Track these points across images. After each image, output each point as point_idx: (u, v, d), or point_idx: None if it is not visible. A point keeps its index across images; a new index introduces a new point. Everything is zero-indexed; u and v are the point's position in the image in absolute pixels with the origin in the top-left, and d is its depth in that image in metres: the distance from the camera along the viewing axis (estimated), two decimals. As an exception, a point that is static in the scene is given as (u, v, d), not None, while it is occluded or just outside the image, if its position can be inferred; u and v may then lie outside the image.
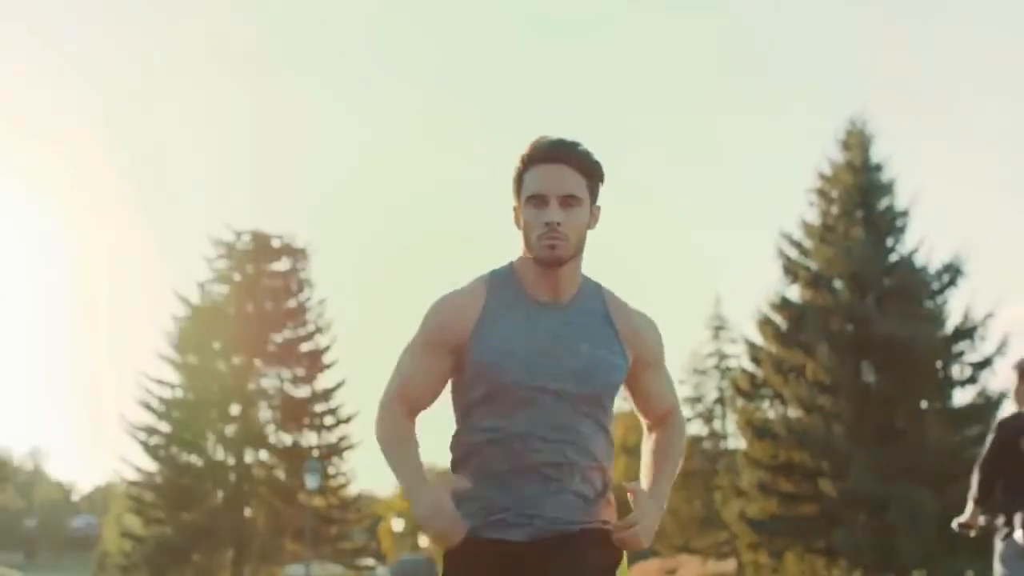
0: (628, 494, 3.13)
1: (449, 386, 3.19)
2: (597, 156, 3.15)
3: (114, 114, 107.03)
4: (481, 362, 3.05)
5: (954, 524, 6.66)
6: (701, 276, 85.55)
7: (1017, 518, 6.16)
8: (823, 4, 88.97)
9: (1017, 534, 6.08)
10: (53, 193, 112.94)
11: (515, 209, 3.15)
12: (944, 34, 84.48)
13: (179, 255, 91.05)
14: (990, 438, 6.47)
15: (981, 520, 6.45)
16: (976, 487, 6.47)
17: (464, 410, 3.14)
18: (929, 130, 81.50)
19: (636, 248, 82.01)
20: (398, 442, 3.11)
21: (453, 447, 3.17)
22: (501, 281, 3.14)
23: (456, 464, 3.14)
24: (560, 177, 3.05)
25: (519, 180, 3.11)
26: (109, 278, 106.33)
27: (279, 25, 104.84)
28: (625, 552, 3.09)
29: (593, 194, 3.12)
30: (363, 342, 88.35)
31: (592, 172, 3.10)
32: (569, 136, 3.14)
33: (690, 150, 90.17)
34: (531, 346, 3.04)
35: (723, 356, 41.99)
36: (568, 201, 3.04)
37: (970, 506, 6.53)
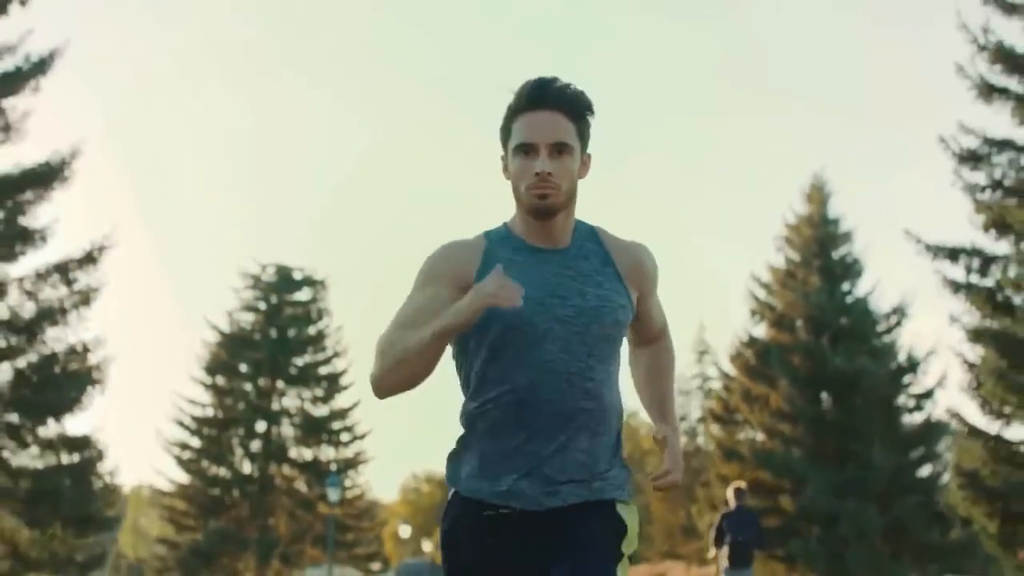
0: (655, 440, 3.25)
1: (450, 350, 3.16)
2: (585, 94, 3.11)
3: (114, 114, 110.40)
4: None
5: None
6: (699, 287, 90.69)
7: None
8: (823, 11, 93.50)
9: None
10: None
11: (503, 159, 3.13)
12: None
13: (179, 266, 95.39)
14: (716, 523, 13.88)
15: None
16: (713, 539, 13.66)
17: (467, 356, 3.13)
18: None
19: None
20: (402, 338, 2.96)
21: (462, 417, 3.15)
22: (498, 235, 3.16)
23: (466, 436, 3.14)
24: (549, 125, 3.03)
25: (506, 129, 3.11)
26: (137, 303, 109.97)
27: (278, 29, 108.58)
28: (632, 522, 3.13)
29: (583, 140, 3.10)
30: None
31: (582, 115, 3.08)
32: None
33: (691, 155, 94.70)
34: (538, 288, 3.05)
35: (706, 378, 47.55)
36: (558, 149, 3.03)
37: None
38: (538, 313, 3.02)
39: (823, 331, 34.64)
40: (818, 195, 36.30)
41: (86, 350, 21.08)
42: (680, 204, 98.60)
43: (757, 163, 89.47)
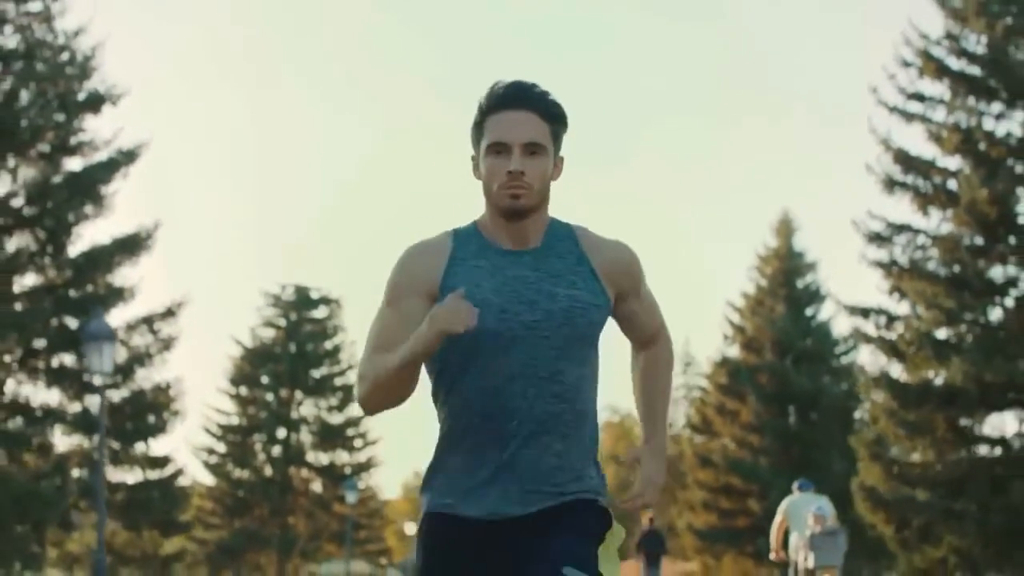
0: (628, 460, 3.26)
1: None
2: (560, 101, 3.15)
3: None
4: None
5: None
6: (700, 285, 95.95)
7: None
8: (821, 10, 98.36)
9: None
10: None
11: (474, 159, 3.16)
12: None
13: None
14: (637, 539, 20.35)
15: None
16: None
17: (436, 362, 3.15)
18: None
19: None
20: (381, 361, 3.07)
21: (432, 399, 3.22)
22: (465, 233, 3.17)
23: (437, 447, 3.18)
24: (522, 124, 3.07)
25: (479, 128, 3.12)
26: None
27: (278, 31, 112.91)
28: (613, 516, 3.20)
29: (557, 142, 3.13)
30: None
31: (556, 118, 3.12)
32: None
33: (687, 158, 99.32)
34: (506, 291, 3.08)
35: (690, 388, 53.90)
36: (531, 149, 3.06)
37: None
38: (503, 320, 3.05)
39: (787, 353, 40.80)
40: (785, 229, 42.43)
41: (168, 387, 27.38)
42: (677, 208, 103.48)
43: (755, 166, 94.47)
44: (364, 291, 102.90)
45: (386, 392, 3.08)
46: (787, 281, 41.66)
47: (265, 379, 47.79)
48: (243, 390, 47.90)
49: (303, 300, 49.09)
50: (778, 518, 16.27)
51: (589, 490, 3.17)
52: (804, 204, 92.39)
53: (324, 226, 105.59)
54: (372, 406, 3.14)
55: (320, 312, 49.32)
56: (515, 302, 3.08)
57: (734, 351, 42.34)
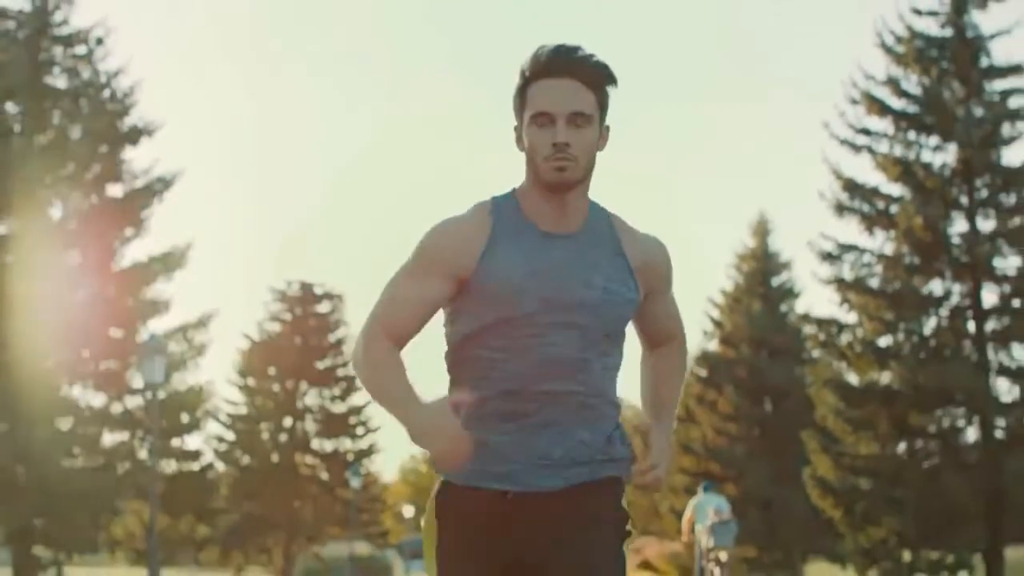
0: (639, 429, 3.36)
1: (442, 316, 3.23)
2: (606, 63, 3.11)
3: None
4: (491, 291, 3.09)
5: None
6: (683, 284, 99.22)
7: None
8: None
9: None
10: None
11: (516, 129, 3.15)
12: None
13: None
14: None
15: None
16: None
17: (462, 339, 3.19)
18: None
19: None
20: (385, 367, 3.10)
21: (451, 372, 3.25)
22: (505, 209, 3.16)
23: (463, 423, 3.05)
24: (568, 93, 3.05)
25: (521, 96, 3.11)
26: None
27: (285, 20, 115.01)
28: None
29: (603, 109, 3.12)
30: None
31: (602, 85, 3.11)
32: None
33: (686, 138, 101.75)
34: (543, 277, 3.08)
35: (677, 377, 57.94)
36: (577, 119, 3.05)
37: None
38: (538, 305, 3.06)
39: (763, 347, 45.14)
40: (762, 229, 46.77)
41: (200, 389, 31.75)
42: (671, 190, 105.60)
43: (749, 149, 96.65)
44: (365, 286, 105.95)
45: (372, 395, 3.14)
46: (763, 279, 45.99)
47: (272, 371, 50.54)
48: (251, 381, 50.79)
49: (308, 296, 51.96)
50: (687, 513, 21.38)
51: (617, 465, 3.21)
52: (780, 208, 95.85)
53: (326, 223, 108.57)
54: (362, 385, 3.20)
55: (324, 307, 52.24)
56: (552, 288, 3.09)
57: (713, 345, 46.70)
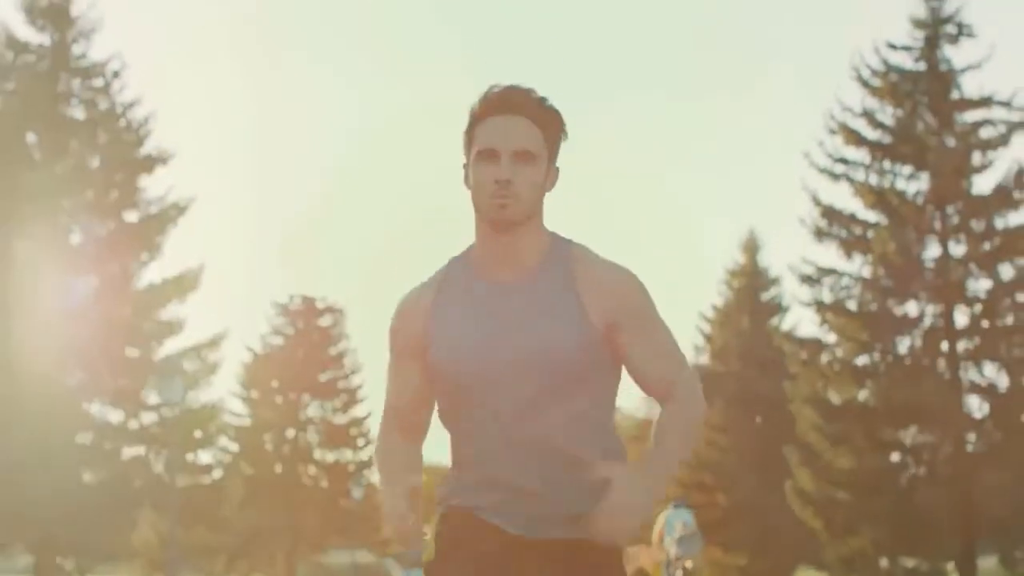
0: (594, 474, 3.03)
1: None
2: (556, 107, 3.10)
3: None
4: (436, 360, 3.13)
5: None
6: (672, 299, 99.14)
7: None
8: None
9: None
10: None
11: (465, 168, 3.12)
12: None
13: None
14: None
15: None
16: None
17: (438, 406, 3.26)
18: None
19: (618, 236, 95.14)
20: (381, 454, 3.26)
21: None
22: (454, 269, 3.19)
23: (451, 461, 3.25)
24: (514, 130, 3.04)
25: (469, 135, 3.10)
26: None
27: (297, 49, 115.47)
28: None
29: (552, 150, 3.10)
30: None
31: (550, 123, 3.09)
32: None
33: (677, 131, 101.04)
34: (483, 333, 3.08)
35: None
36: (521, 156, 3.03)
37: None
38: (475, 362, 3.06)
39: (752, 361, 47.09)
40: (752, 246, 48.75)
41: (212, 406, 33.68)
42: (664, 185, 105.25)
43: (744, 142, 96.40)
44: (365, 300, 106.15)
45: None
46: (753, 295, 47.94)
47: (274, 383, 51.61)
48: (255, 393, 51.81)
49: (310, 309, 53.11)
50: (657, 526, 23.40)
51: (579, 534, 3.06)
52: (770, 228, 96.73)
53: (331, 238, 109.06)
54: None
55: (325, 320, 53.36)
56: (492, 342, 3.07)
57: (705, 359, 48.66)
